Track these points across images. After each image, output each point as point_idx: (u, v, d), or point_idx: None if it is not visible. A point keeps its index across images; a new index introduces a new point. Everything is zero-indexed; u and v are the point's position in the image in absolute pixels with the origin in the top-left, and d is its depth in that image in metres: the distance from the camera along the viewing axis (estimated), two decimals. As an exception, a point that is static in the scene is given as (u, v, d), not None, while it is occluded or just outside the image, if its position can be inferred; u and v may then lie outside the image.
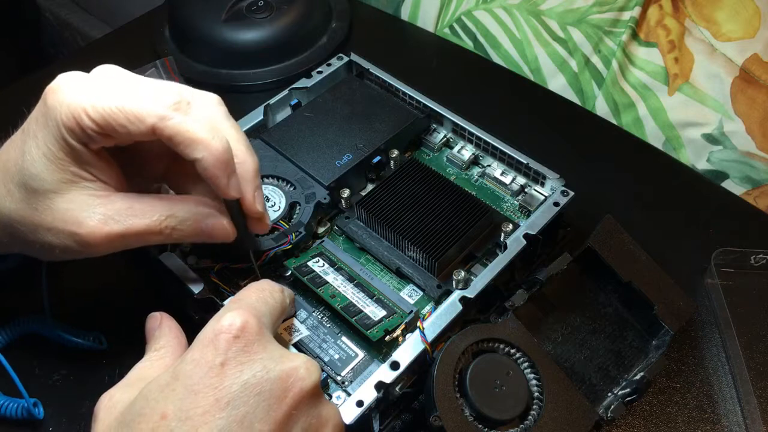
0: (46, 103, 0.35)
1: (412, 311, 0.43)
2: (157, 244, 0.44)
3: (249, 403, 0.30)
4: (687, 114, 0.61)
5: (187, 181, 0.40)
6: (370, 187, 0.51)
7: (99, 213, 0.36)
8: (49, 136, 0.35)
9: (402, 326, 0.42)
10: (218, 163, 0.36)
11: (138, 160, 0.40)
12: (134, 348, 0.38)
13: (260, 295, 0.36)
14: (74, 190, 0.36)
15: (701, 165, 0.61)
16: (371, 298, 0.43)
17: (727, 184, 0.60)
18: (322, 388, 0.40)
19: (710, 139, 0.60)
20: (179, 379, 0.31)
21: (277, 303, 0.37)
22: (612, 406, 0.41)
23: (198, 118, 0.36)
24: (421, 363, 0.40)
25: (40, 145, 0.36)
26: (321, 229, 0.48)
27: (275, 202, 0.47)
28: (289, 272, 0.45)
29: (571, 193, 0.47)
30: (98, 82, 0.36)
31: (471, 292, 0.42)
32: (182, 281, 0.43)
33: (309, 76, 0.56)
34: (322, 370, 0.41)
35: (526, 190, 0.50)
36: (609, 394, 0.43)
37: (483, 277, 0.42)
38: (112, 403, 0.33)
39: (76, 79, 0.36)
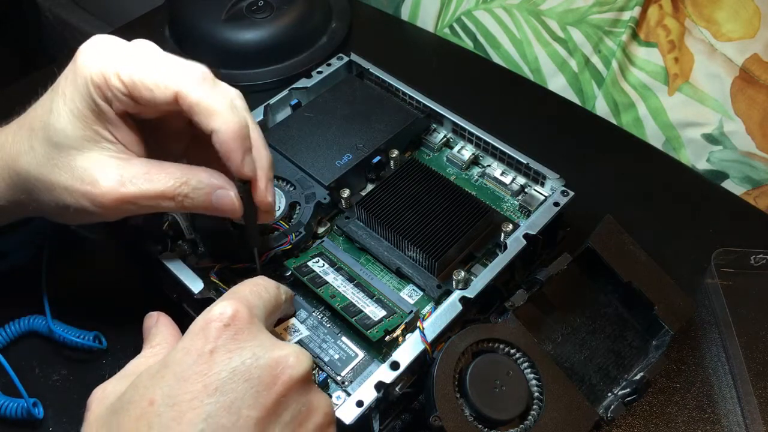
0: (77, 61, 0.37)
1: (412, 311, 0.43)
2: (157, 242, 0.45)
3: (237, 389, 0.30)
4: (687, 114, 0.61)
5: (206, 163, 0.41)
6: (370, 187, 0.51)
7: (116, 174, 0.37)
8: (77, 93, 0.37)
9: (402, 326, 0.42)
10: (235, 136, 0.37)
11: (161, 136, 0.41)
12: (134, 348, 0.38)
13: (254, 289, 0.36)
14: (95, 149, 0.37)
15: (701, 165, 0.61)
16: (371, 298, 0.43)
17: (727, 184, 0.60)
18: (322, 387, 0.40)
19: (710, 139, 0.60)
20: (169, 367, 0.31)
21: (271, 297, 0.37)
22: (612, 406, 0.41)
23: (220, 91, 0.37)
24: (421, 363, 0.40)
25: (67, 101, 0.37)
26: (321, 229, 0.48)
27: (275, 201, 0.47)
28: (289, 272, 0.45)
29: (571, 193, 0.47)
30: (132, 48, 0.38)
31: (471, 292, 0.42)
32: (182, 281, 0.43)
33: (309, 76, 0.56)
34: (322, 370, 0.42)
35: (526, 190, 0.50)
36: (609, 394, 0.43)
37: (483, 277, 0.42)
38: (104, 394, 0.33)
39: (110, 42, 0.38)
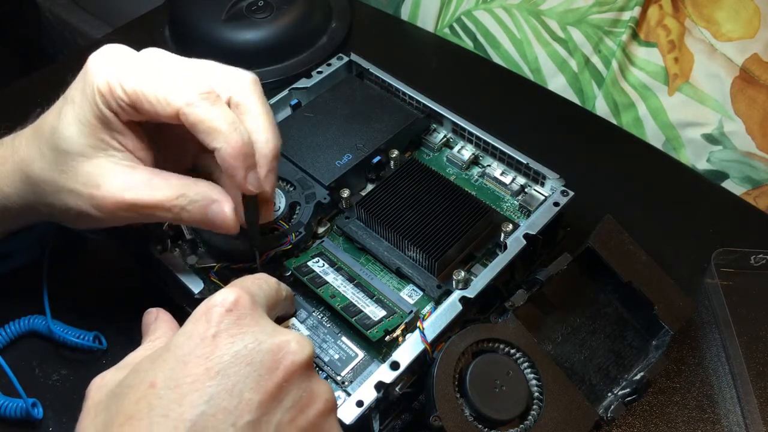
0: (86, 69, 0.38)
1: (412, 311, 0.43)
2: (157, 242, 0.45)
3: (240, 373, 0.31)
4: (687, 114, 0.61)
5: (215, 170, 0.41)
6: (370, 187, 0.51)
7: (119, 180, 0.38)
8: (85, 101, 0.37)
9: (402, 326, 0.42)
10: (236, 154, 0.37)
11: (173, 141, 0.42)
12: (134, 348, 0.38)
13: (255, 281, 0.37)
14: (101, 156, 0.38)
15: (701, 165, 0.61)
16: (371, 298, 0.43)
17: (727, 184, 0.60)
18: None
19: (710, 139, 0.60)
20: (170, 351, 0.31)
21: (271, 289, 0.37)
22: (612, 406, 0.41)
23: (222, 111, 0.37)
24: (421, 363, 0.40)
25: (76, 108, 0.37)
26: (321, 229, 0.48)
27: (275, 202, 0.47)
28: (289, 272, 0.45)
29: (571, 193, 0.47)
30: (140, 60, 0.38)
31: (471, 292, 0.42)
32: (182, 281, 0.43)
33: (309, 76, 0.56)
34: (322, 370, 0.42)
35: (526, 190, 0.50)
36: (609, 394, 0.43)
37: (483, 277, 0.42)
38: (103, 382, 0.33)
39: (120, 52, 0.38)
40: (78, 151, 0.37)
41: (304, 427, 0.32)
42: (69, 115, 0.38)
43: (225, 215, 0.39)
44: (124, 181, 0.38)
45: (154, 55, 0.39)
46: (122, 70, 0.37)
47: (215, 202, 0.39)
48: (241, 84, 0.40)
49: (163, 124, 0.40)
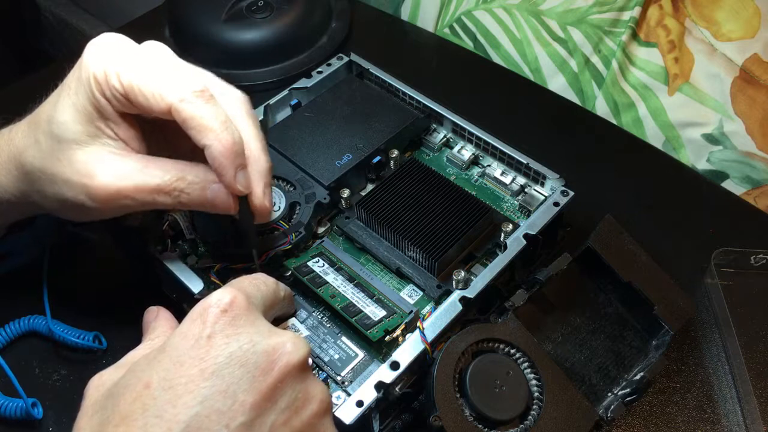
0: (83, 56, 0.37)
1: (412, 311, 0.43)
2: (157, 242, 0.45)
3: (234, 374, 0.31)
4: (687, 114, 0.61)
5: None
6: (370, 187, 0.51)
7: (113, 168, 0.37)
8: (81, 87, 0.37)
9: (402, 326, 0.42)
10: (226, 152, 0.37)
11: (165, 140, 0.42)
12: (134, 347, 0.38)
13: (252, 282, 0.37)
14: (95, 144, 0.38)
15: (701, 165, 0.61)
16: (371, 298, 0.43)
17: (727, 184, 0.60)
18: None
19: (710, 139, 0.60)
20: (165, 351, 0.31)
21: (269, 290, 0.37)
22: (612, 406, 0.41)
23: (215, 109, 0.37)
24: (421, 363, 0.40)
25: (71, 95, 0.37)
26: (321, 229, 0.48)
27: (275, 202, 0.47)
28: (289, 272, 0.45)
29: (571, 193, 0.47)
30: (138, 52, 0.38)
31: (471, 292, 0.42)
32: (182, 281, 0.43)
33: (309, 76, 0.56)
34: (322, 370, 0.42)
35: (526, 190, 0.50)
36: (609, 394, 0.43)
37: (483, 277, 0.42)
38: (101, 381, 0.34)
39: (119, 41, 0.38)
40: (72, 138, 0.37)
41: (298, 428, 0.32)
42: (65, 101, 0.37)
43: (226, 194, 0.39)
44: (118, 168, 0.37)
45: (152, 49, 0.38)
46: (120, 60, 0.37)
47: (214, 182, 0.38)
48: (232, 100, 0.40)
49: (157, 120, 0.39)
